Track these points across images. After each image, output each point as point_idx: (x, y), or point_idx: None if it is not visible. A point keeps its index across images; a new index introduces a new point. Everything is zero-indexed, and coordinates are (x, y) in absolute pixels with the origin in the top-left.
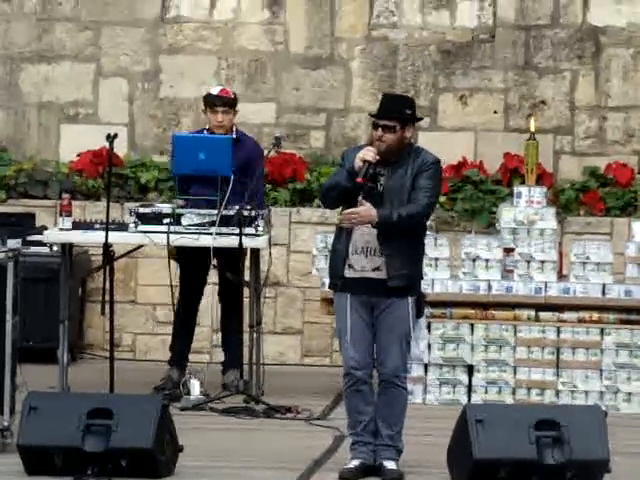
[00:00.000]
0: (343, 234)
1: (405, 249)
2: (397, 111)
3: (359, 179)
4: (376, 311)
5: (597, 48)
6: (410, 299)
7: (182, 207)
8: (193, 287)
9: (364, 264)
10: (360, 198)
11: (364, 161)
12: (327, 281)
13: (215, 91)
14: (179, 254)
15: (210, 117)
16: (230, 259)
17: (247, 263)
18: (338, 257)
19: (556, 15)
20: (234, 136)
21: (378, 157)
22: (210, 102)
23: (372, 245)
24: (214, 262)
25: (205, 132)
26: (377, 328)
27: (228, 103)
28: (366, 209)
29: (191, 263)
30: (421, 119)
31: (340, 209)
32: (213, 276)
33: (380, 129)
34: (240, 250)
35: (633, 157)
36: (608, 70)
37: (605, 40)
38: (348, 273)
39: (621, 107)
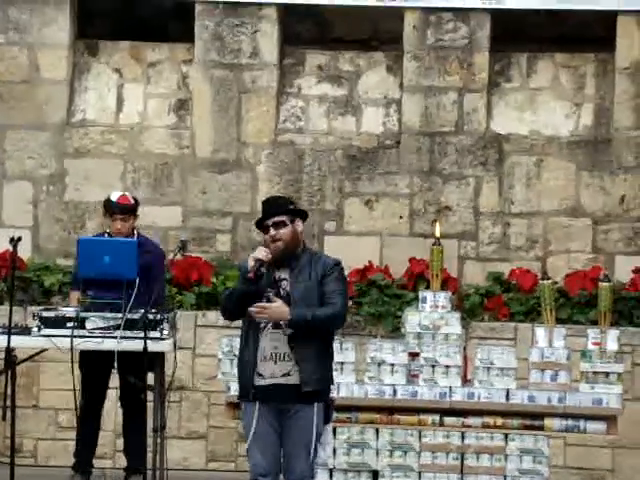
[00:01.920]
0: (250, 342)
1: (316, 353)
2: (282, 206)
3: (249, 275)
4: (284, 417)
5: (500, 155)
6: (319, 404)
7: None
8: (95, 391)
9: (273, 370)
10: (271, 295)
11: (256, 260)
12: (233, 385)
13: (115, 197)
14: (81, 358)
15: (110, 223)
16: (133, 363)
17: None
18: (246, 367)
19: (460, 122)
20: (135, 240)
21: (270, 256)
22: (110, 209)
23: (281, 350)
24: (116, 365)
25: (106, 235)
26: (285, 434)
27: (127, 210)
28: (278, 305)
29: (93, 367)
30: (306, 213)
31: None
32: (115, 380)
33: (272, 229)
34: (145, 354)
35: (536, 263)
36: (511, 177)
37: (508, 147)
38: (257, 381)
39: (524, 213)
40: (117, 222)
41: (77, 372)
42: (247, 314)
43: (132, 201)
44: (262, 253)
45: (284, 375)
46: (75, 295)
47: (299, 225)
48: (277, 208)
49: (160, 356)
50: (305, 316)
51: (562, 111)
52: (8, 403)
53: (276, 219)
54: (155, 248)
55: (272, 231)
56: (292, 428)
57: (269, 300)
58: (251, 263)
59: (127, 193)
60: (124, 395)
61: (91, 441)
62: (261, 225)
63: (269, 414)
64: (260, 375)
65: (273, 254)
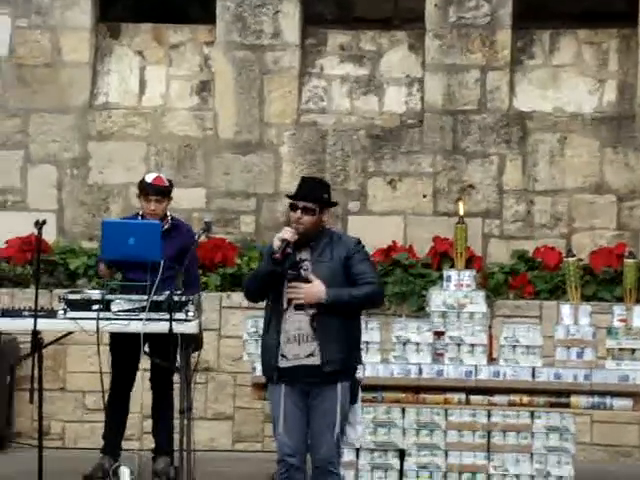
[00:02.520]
0: (273, 324)
1: (340, 334)
2: (316, 194)
3: (276, 255)
4: (310, 397)
5: (524, 133)
6: (344, 384)
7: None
8: (124, 374)
9: (297, 352)
10: (310, 274)
11: (282, 240)
12: (258, 366)
13: (149, 179)
14: (112, 342)
15: (143, 204)
16: (160, 345)
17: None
18: (270, 349)
19: (483, 100)
20: (169, 224)
21: (296, 236)
22: (144, 190)
23: (304, 331)
24: (145, 348)
25: (139, 218)
26: (311, 414)
27: (162, 192)
28: (313, 285)
29: (122, 350)
30: (336, 204)
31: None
32: (144, 362)
33: (299, 211)
34: (171, 335)
35: (560, 240)
36: (535, 154)
37: (531, 125)
38: (281, 363)
39: (548, 191)
40: (151, 203)
41: (103, 354)
42: (270, 296)
43: (166, 183)
44: (288, 234)
45: (308, 356)
46: (101, 266)
47: (325, 214)
48: (311, 194)
49: (186, 338)
50: (341, 296)
51: (585, 88)
52: (36, 386)
53: (307, 205)
54: (189, 230)
55: (299, 213)
56: (317, 408)
57: (301, 279)
58: (277, 243)
59: (162, 175)
60: (154, 377)
61: (119, 424)
62: (292, 198)
63: (294, 395)
64: (284, 357)
65: (295, 234)
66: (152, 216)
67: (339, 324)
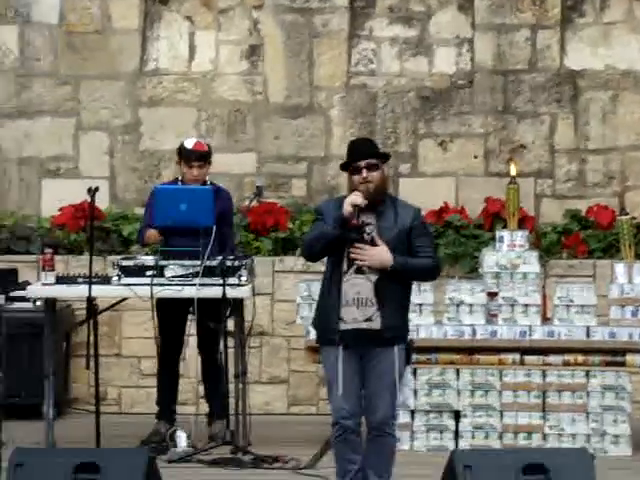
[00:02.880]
0: (332, 287)
1: (399, 299)
2: (372, 150)
3: (354, 221)
4: (365, 360)
5: (575, 91)
6: (399, 347)
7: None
8: (172, 339)
9: (356, 315)
10: (374, 234)
11: (354, 206)
12: (312, 329)
13: (189, 144)
14: (158, 306)
15: (185, 170)
16: (211, 309)
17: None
18: (329, 312)
19: (533, 59)
20: (211, 187)
21: (366, 201)
22: (185, 156)
23: (363, 295)
24: (194, 312)
25: (179, 183)
26: (366, 377)
27: (203, 157)
28: (381, 250)
29: (170, 315)
30: (389, 156)
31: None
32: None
33: (364, 170)
34: (224, 300)
35: (613, 199)
36: (587, 113)
37: (583, 83)
38: (339, 326)
39: (601, 150)
40: (194, 169)
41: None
42: (330, 258)
43: (207, 147)
44: (359, 199)
45: (366, 320)
46: (152, 231)
47: (385, 169)
48: (370, 150)
49: (239, 302)
50: (405, 265)
51: (637, 45)
52: (91, 352)
53: (370, 161)
54: (227, 194)
55: (365, 173)
56: (374, 371)
57: (365, 242)
58: (349, 209)
59: (201, 140)
60: (202, 342)
61: (171, 389)
62: (346, 167)
63: (350, 358)
64: (342, 320)
65: (364, 197)
66: (194, 182)
67: (399, 290)
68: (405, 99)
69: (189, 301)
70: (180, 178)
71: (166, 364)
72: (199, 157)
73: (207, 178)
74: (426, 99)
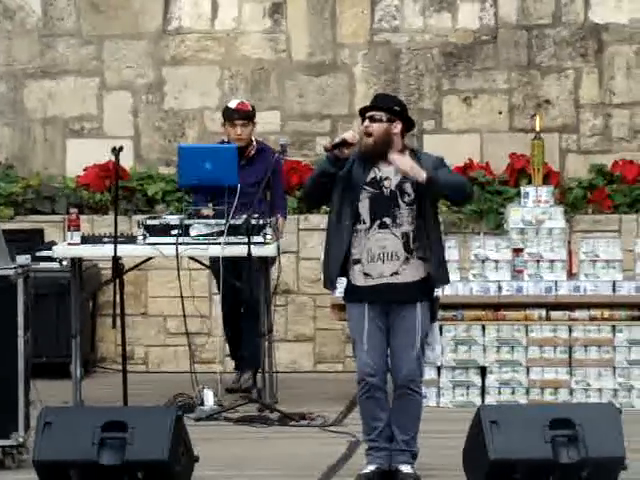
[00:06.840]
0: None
1: (439, 249)
2: (385, 103)
3: (326, 144)
4: (391, 316)
5: (600, 46)
6: (423, 304)
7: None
8: (226, 296)
9: (382, 270)
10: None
11: (342, 139)
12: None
13: (233, 105)
14: (211, 265)
15: (229, 130)
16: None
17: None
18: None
19: (558, 14)
20: (255, 148)
21: (357, 139)
22: (228, 116)
23: (389, 250)
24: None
25: (226, 144)
26: (392, 334)
27: (246, 116)
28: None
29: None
30: (412, 122)
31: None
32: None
33: (367, 120)
34: (249, 258)
35: (639, 153)
36: (611, 67)
37: (607, 37)
38: (365, 281)
39: (626, 104)
40: (237, 128)
41: (184, 279)
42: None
43: (250, 107)
44: (349, 134)
45: (393, 274)
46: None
47: (397, 127)
48: (380, 102)
49: (264, 260)
50: (438, 178)
51: None
52: (118, 311)
53: (375, 114)
54: (272, 154)
55: (367, 122)
56: (399, 327)
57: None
58: (336, 140)
59: (245, 100)
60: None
61: (235, 341)
62: (364, 117)
63: (375, 314)
64: (368, 275)
65: (363, 149)
66: (238, 141)
67: (435, 240)
68: (429, 55)
69: (241, 258)
70: (226, 140)
71: (226, 320)
72: (242, 116)
73: (253, 138)
74: (450, 55)
